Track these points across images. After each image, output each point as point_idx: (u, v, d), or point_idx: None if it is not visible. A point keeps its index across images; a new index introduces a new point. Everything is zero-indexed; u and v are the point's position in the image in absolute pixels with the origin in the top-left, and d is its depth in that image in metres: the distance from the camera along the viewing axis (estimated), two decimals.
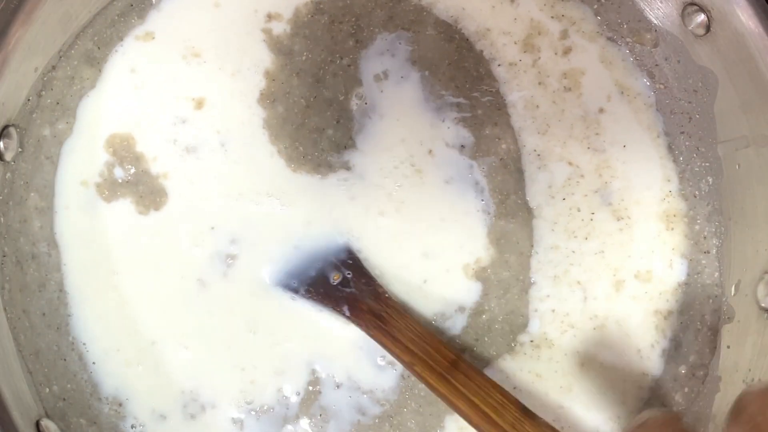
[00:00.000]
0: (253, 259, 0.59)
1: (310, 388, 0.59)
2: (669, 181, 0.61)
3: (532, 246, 0.60)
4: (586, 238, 0.60)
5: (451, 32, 0.62)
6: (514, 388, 0.58)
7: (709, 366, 0.58)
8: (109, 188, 0.59)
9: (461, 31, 0.62)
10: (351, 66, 0.61)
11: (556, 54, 0.62)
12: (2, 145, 0.55)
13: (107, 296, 0.58)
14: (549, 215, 0.60)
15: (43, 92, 0.58)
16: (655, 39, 0.60)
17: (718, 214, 0.59)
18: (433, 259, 0.60)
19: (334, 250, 0.59)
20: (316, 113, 0.61)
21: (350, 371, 0.59)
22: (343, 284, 0.59)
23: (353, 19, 0.62)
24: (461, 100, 0.61)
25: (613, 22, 0.62)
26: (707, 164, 0.60)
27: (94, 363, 0.58)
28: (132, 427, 0.57)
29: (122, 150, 0.59)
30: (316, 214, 0.60)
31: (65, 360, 0.57)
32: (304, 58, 0.61)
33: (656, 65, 0.61)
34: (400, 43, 0.61)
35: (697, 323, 0.59)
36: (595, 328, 0.60)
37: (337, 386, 0.59)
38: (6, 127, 0.55)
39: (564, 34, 0.62)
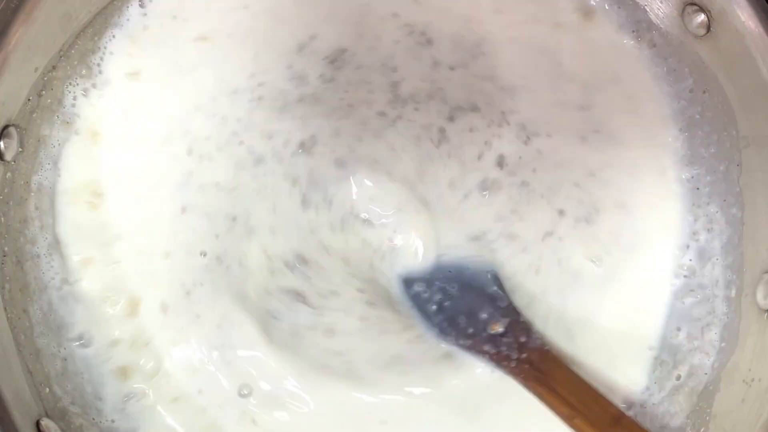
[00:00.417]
0: None
1: None
2: None
3: None
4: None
5: None
6: None
7: (709, 366, 0.58)
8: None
9: None
10: None
11: None
12: (2, 145, 0.55)
13: None
14: None
15: (43, 92, 0.58)
16: (655, 39, 0.60)
17: (718, 213, 0.59)
18: None
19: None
20: None
21: None
22: (501, 334, 0.57)
23: None
24: None
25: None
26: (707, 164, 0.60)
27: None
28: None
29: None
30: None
31: (65, 360, 0.57)
32: None
33: (656, 65, 0.61)
34: None
35: (696, 323, 0.59)
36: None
37: None
38: (6, 127, 0.55)
39: None
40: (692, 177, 0.60)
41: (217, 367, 0.58)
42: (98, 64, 0.60)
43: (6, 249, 0.57)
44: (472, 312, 0.58)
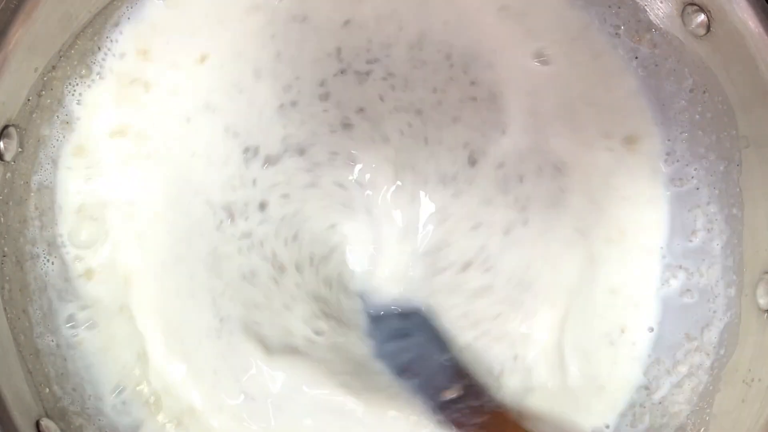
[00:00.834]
0: None
1: None
2: None
3: None
4: None
5: None
6: None
7: (709, 366, 0.58)
8: None
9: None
10: None
11: None
12: (2, 145, 0.55)
13: None
14: None
15: (43, 92, 0.58)
16: (655, 39, 0.60)
17: (718, 213, 0.59)
18: None
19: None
20: None
21: None
22: (454, 400, 0.56)
23: None
24: None
25: (612, 22, 0.62)
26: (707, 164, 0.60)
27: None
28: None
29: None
30: None
31: (65, 360, 0.57)
32: None
33: (656, 65, 0.61)
34: None
35: (696, 323, 0.59)
36: None
37: None
38: (6, 127, 0.55)
39: None
40: (692, 177, 0.60)
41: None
42: (98, 64, 0.60)
43: (6, 249, 0.57)
44: (427, 381, 0.57)
